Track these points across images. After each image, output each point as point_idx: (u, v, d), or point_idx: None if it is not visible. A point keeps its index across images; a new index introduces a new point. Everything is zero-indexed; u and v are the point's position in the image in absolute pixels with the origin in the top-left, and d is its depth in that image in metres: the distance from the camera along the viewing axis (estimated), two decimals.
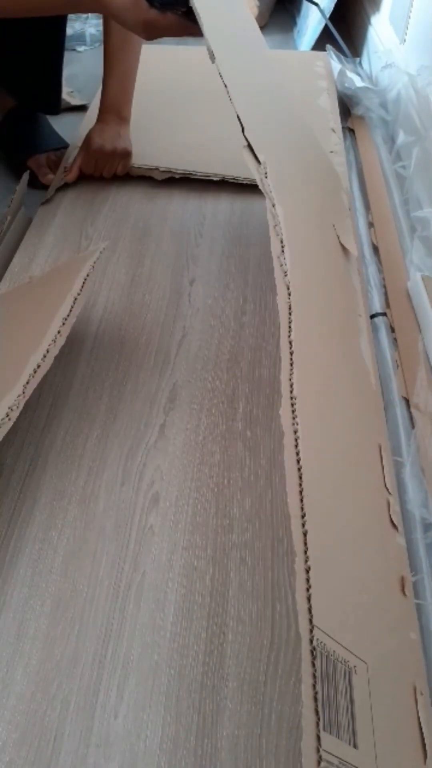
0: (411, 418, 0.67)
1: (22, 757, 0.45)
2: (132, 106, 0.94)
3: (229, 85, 0.56)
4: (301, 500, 0.38)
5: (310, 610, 0.34)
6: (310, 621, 0.34)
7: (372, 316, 0.76)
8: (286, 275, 0.51)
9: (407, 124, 1.02)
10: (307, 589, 0.35)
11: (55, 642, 0.50)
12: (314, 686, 0.32)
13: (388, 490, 0.57)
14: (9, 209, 0.87)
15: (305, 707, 0.31)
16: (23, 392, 0.52)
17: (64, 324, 0.57)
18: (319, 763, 0.30)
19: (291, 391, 0.44)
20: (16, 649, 0.50)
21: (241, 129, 0.57)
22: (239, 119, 0.57)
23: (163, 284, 0.81)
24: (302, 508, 0.38)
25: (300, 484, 0.39)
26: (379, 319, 0.76)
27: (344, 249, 0.73)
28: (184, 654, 0.50)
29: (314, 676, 0.32)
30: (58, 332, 0.57)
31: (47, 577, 0.54)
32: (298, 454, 0.41)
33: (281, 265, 0.52)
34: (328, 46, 1.28)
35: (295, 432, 0.42)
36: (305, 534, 0.37)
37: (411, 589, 0.52)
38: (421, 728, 0.43)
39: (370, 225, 0.90)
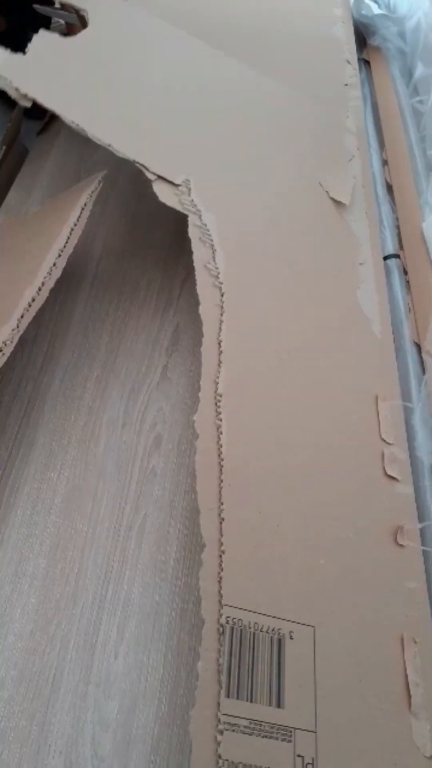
0: (422, 364, 0.64)
1: (21, 694, 0.44)
2: None
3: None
4: (220, 491, 0.39)
5: (219, 592, 0.36)
6: (219, 602, 0.36)
7: (384, 258, 0.73)
8: (218, 277, 0.52)
9: (426, 56, 0.96)
10: (219, 572, 0.36)
11: (54, 581, 0.49)
12: (218, 660, 0.33)
13: (384, 440, 0.55)
14: (3, 139, 0.82)
15: (201, 679, 0.33)
16: (17, 326, 0.49)
17: (60, 256, 0.54)
18: (217, 725, 0.32)
19: (216, 390, 0.46)
20: (14, 588, 0.49)
21: (144, 169, 0.57)
22: (139, 165, 0.58)
23: (166, 221, 0.77)
24: (220, 498, 0.38)
25: (220, 476, 0.39)
26: (391, 261, 0.72)
27: (336, 202, 0.69)
28: (185, 596, 0.49)
29: (219, 651, 0.34)
30: (54, 264, 0.54)
31: (46, 517, 0.53)
32: (220, 448, 0.41)
33: (210, 272, 0.52)
34: None
35: (219, 428, 0.43)
36: (221, 522, 0.37)
37: (416, 537, 0.51)
38: (406, 676, 0.43)
39: (384, 163, 0.86)
